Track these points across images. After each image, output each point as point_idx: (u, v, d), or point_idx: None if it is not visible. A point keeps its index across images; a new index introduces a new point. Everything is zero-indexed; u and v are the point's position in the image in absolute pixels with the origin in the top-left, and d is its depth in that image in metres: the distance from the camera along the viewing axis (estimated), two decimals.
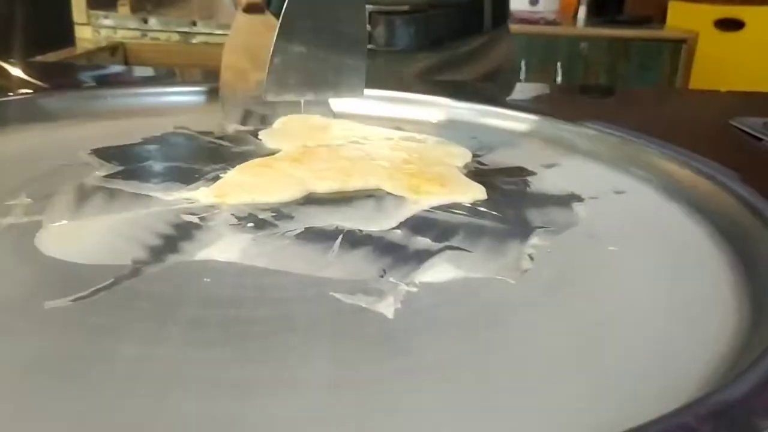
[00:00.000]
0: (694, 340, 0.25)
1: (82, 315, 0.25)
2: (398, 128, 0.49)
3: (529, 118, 0.51)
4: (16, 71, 0.61)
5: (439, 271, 0.29)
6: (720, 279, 0.30)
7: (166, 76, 0.68)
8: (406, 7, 0.65)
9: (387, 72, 0.63)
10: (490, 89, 0.69)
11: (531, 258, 0.31)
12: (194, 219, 0.33)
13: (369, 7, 0.64)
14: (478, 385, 0.22)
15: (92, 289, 0.27)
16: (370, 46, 0.66)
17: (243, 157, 0.41)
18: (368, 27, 0.64)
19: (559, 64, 1.59)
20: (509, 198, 0.39)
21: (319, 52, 0.41)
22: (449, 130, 0.51)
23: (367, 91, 0.49)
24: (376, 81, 0.51)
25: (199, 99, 0.54)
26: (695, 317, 0.27)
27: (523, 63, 1.50)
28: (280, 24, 0.43)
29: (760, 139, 0.50)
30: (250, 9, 0.66)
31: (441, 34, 0.66)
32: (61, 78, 0.62)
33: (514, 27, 1.69)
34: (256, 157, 0.41)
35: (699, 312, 0.27)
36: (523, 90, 0.81)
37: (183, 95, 0.54)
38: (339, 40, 0.40)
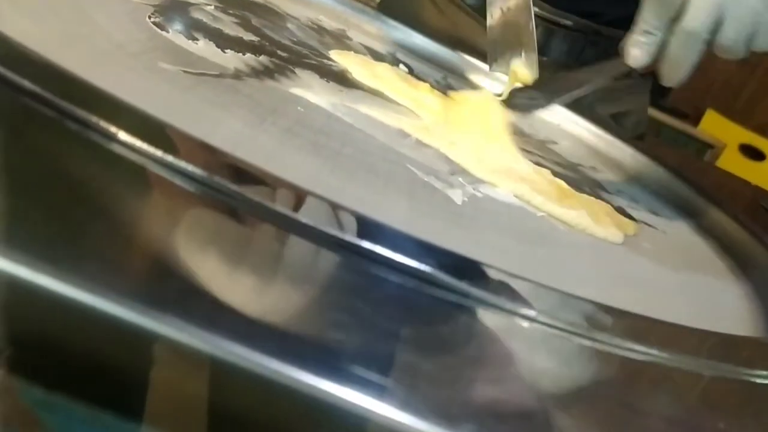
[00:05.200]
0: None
1: (191, 84, 0.26)
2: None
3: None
4: None
5: (500, 193, 0.31)
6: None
7: None
8: (569, 23, 0.65)
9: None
10: None
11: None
12: (292, 67, 0.34)
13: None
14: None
15: (199, 71, 0.28)
16: None
17: None
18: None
19: None
20: None
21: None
22: None
23: None
24: None
25: None
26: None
27: None
28: None
29: None
30: None
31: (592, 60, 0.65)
32: None
33: None
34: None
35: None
36: None
37: None
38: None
